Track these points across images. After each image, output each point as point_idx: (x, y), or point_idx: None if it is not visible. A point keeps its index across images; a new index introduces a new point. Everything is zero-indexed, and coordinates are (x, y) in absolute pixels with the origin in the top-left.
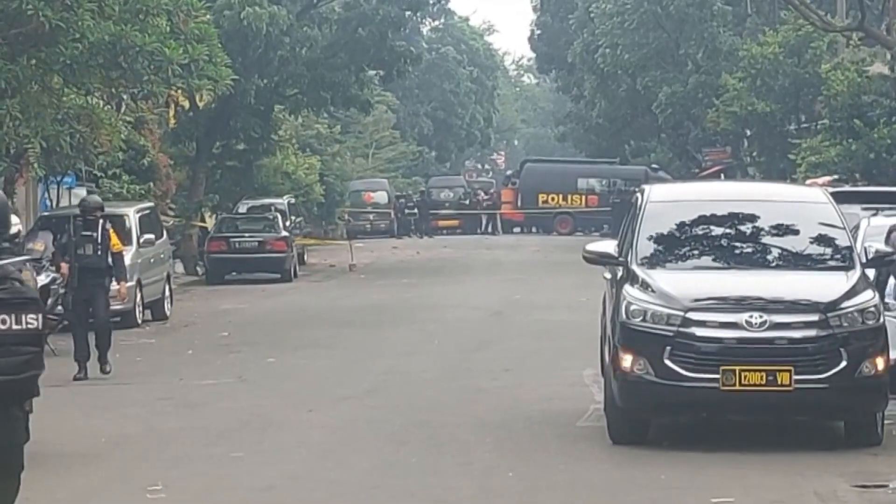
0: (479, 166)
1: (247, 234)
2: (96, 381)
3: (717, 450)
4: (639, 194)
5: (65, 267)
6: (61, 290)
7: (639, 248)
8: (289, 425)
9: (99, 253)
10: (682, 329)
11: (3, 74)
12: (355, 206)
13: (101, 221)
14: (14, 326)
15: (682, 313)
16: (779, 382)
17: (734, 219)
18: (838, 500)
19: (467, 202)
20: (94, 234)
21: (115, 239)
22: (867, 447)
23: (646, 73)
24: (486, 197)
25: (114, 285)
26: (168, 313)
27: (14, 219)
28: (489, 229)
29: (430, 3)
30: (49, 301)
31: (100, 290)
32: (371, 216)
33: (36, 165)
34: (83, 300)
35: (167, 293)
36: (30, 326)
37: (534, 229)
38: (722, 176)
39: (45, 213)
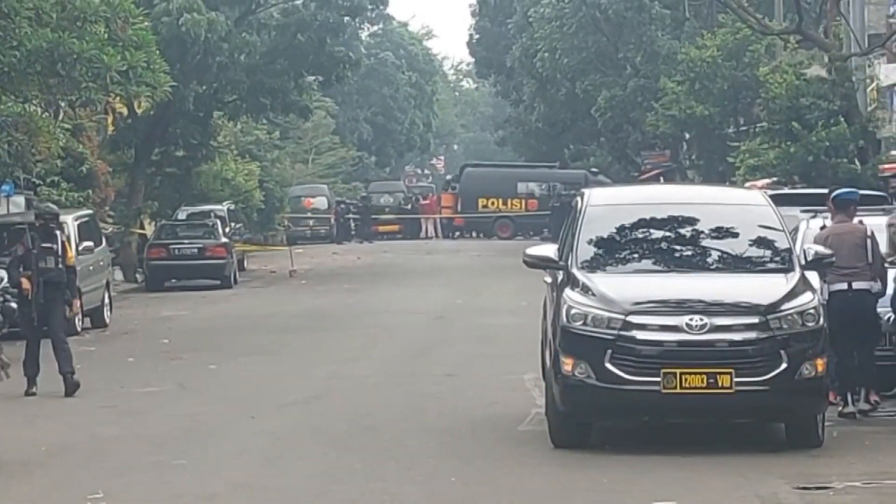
0: (419, 171)
1: (186, 241)
2: (34, 391)
3: (659, 453)
4: (578, 198)
5: (26, 282)
6: (4, 300)
7: (579, 252)
8: (231, 432)
9: (60, 266)
10: (622, 332)
11: None
12: (295, 211)
13: (57, 232)
14: None
15: (622, 317)
16: (719, 385)
17: (674, 222)
18: (780, 502)
19: (408, 207)
20: (55, 247)
21: (70, 251)
22: (808, 449)
23: (585, 77)
24: (425, 202)
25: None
26: (108, 321)
27: None
28: (431, 234)
29: (368, 9)
30: None
31: (58, 305)
32: (311, 222)
33: None
34: (40, 314)
35: (107, 300)
36: None
37: (474, 234)
38: (661, 179)
39: None
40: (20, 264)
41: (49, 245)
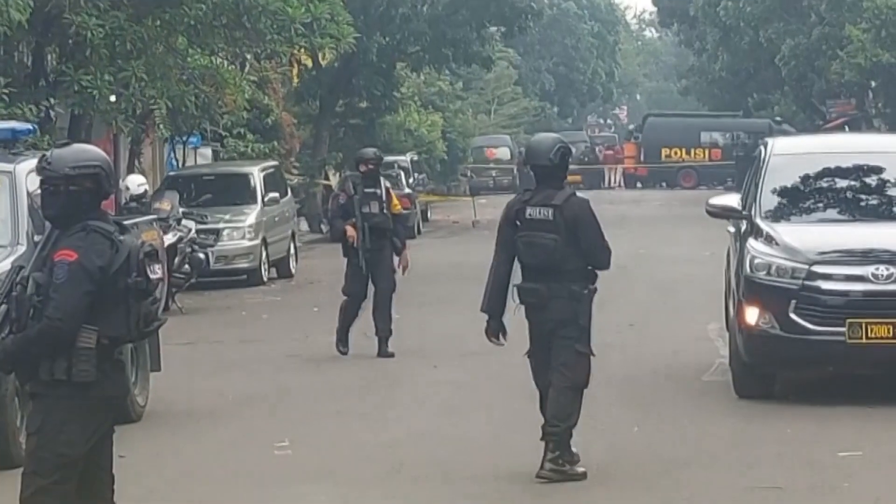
0: (602, 121)
1: None
2: (222, 340)
3: (844, 404)
4: (762, 147)
5: (351, 230)
6: (188, 249)
7: (762, 202)
8: (414, 381)
9: (384, 211)
10: (807, 282)
11: (128, 36)
12: (478, 162)
13: (381, 178)
14: (153, 277)
15: (806, 266)
16: None
17: (859, 171)
18: None
19: (585, 159)
20: (378, 191)
21: (395, 197)
22: None
23: (769, 25)
24: (609, 152)
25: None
26: (293, 271)
27: (140, 178)
28: (614, 184)
29: None
30: (176, 260)
31: (385, 254)
32: (494, 172)
33: (162, 126)
34: (368, 263)
35: (292, 251)
36: (159, 276)
37: (658, 184)
38: (846, 128)
39: (172, 173)
40: (343, 213)
41: (372, 190)
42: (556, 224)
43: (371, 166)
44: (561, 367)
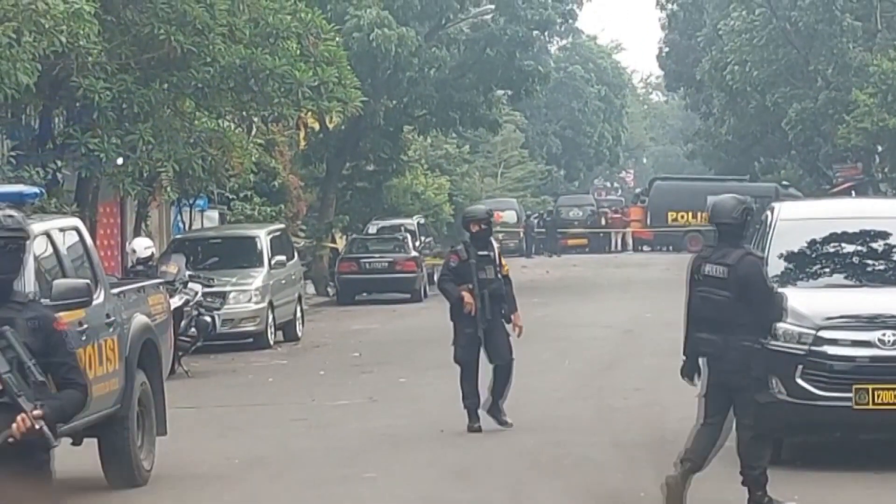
0: (608, 185)
1: (377, 255)
2: (228, 404)
3: (851, 469)
4: (769, 212)
5: (468, 296)
6: (194, 312)
7: (769, 267)
8: (420, 445)
9: (499, 276)
10: (813, 348)
11: (136, 99)
12: None
13: (492, 238)
14: None
15: (813, 332)
16: None
17: (866, 236)
18: None
19: (588, 222)
20: (492, 254)
21: (503, 259)
22: None
23: (775, 89)
24: (616, 215)
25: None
26: (300, 334)
27: (147, 241)
28: (618, 247)
29: (557, 23)
30: (182, 323)
31: (501, 323)
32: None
33: (169, 189)
34: (486, 333)
35: (299, 314)
36: None
37: (664, 247)
38: (853, 192)
39: (178, 236)
40: (454, 277)
41: (486, 253)
42: (728, 282)
43: (484, 226)
44: (745, 420)
